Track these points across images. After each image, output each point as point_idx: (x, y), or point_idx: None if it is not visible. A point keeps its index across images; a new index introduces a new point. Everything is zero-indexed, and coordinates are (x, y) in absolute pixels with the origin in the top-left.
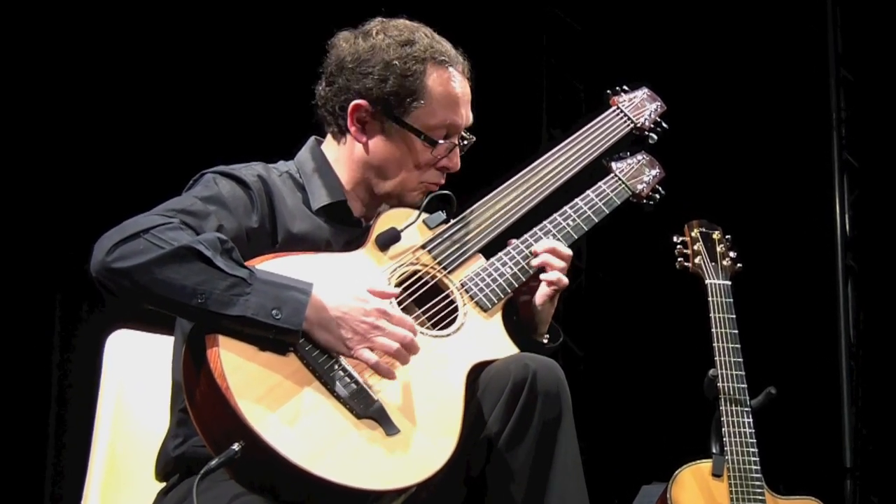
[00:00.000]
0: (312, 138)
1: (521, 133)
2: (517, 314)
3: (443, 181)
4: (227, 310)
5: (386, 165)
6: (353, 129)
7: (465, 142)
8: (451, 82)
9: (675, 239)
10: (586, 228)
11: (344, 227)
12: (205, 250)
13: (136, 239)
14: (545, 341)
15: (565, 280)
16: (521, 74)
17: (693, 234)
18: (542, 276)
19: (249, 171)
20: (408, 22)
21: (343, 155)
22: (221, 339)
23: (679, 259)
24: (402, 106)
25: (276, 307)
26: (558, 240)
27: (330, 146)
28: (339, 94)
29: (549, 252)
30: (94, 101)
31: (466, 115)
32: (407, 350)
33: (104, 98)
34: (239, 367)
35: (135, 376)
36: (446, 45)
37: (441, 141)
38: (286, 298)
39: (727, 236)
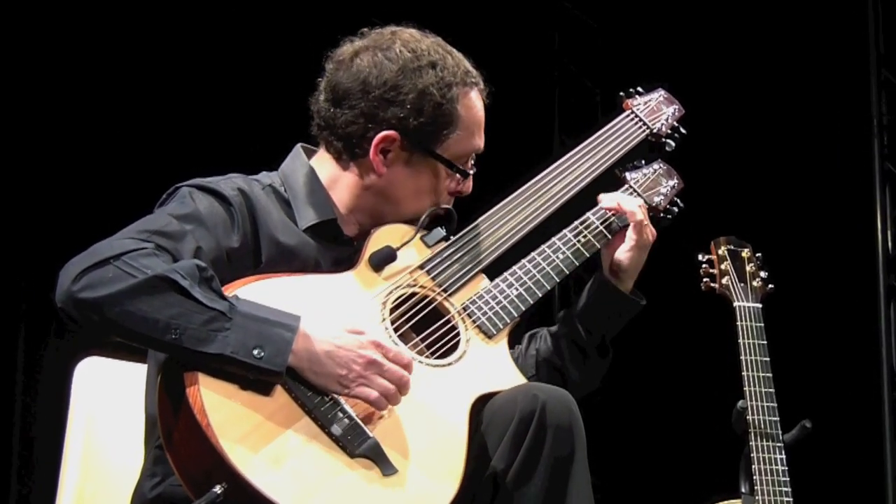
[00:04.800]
0: (299, 147)
1: (531, 140)
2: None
3: (450, 204)
4: (203, 347)
5: (404, 196)
6: (376, 159)
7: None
8: (478, 106)
9: (700, 258)
10: (599, 246)
11: (334, 245)
12: (181, 280)
13: (105, 266)
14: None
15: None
16: (531, 76)
17: (720, 253)
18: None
19: (229, 184)
20: (426, 37)
21: (348, 180)
22: (200, 370)
23: (705, 280)
24: (434, 135)
25: (258, 345)
26: (570, 259)
27: (325, 164)
28: (361, 119)
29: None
30: (58, 113)
31: (483, 138)
32: (402, 391)
33: (68, 111)
34: (221, 403)
35: (106, 408)
36: (467, 62)
37: (470, 172)
38: (269, 336)
39: (757, 255)
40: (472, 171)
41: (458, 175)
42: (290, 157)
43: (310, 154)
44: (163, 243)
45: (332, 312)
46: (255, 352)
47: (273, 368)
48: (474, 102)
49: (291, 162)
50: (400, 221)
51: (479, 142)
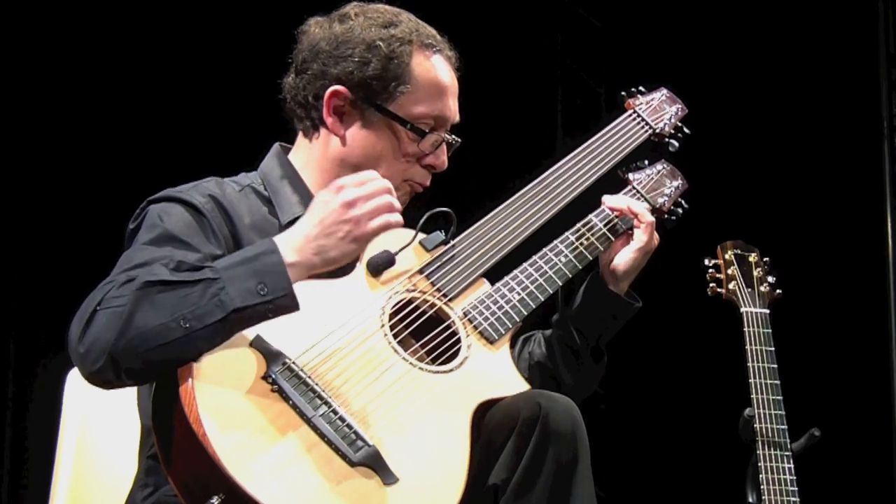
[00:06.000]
0: (277, 145)
1: (534, 142)
2: (597, 276)
3: (428, 182)
4: (215, 317)
5: (366, 161)
6: (329, 119)
7: (452, 143)
8: (439, 68)
9: (706, 262)
10: (602, 249)
11: None
12: (153, 277)
13: (95, 316)
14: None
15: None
16: (534, 77)
17: (727, 257)
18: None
19: (198, 191)
20: (387, 6)
21: (315, 155)
22: (196, 377)
23: (711, 284)
24: (385, 91)
25: (258, 282)
26: (572, 262)
27: (299, 150)
28: (314, 81)
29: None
30: (44, 126)
31: (454, 109)
32: (392, 192)
33: (54, 123)
34: (217, 410)
35: (99, 418)
36: (432, 30)
37: (428, 131)
38: (261, 269)
39: (765, 259)
40: (428, 132)
41: (424, 139)
42: (268, 156)
43: (287, 151)
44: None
45: (330, 319)
46: (259, 289)
47: (282, 293)
48: (434, 64)
49: (270, 160)
50: None
51: (445, 108)
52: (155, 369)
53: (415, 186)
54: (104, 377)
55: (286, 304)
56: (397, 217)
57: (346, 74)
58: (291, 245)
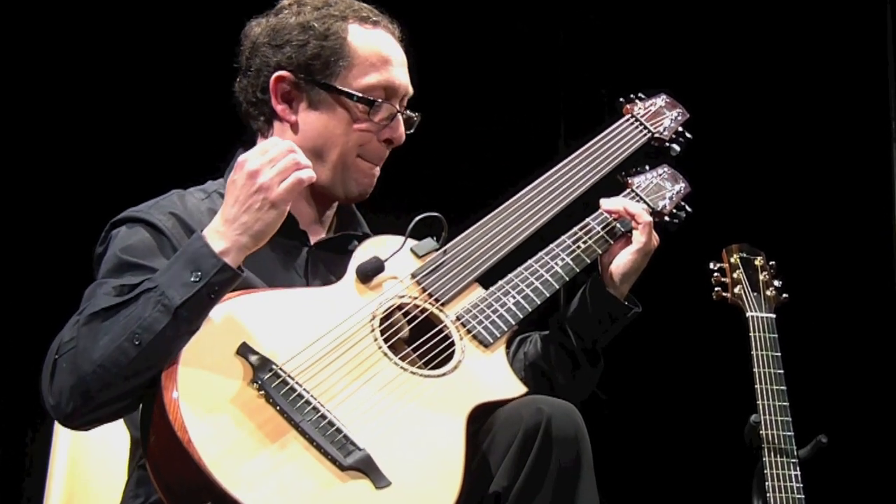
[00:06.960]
0: (241, 149)
1: (535, 145)
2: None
3: (385, 155)
4: (163, 322)
5: (322, 143)
6: (279, 107)
7: (410, 118)
8: (379, 39)
9: (711, 266)
10: (600, 252)
11: (288, 241)
12: (94, 308)
13: (56, 364)
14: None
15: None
16: (534, 77)
17: (732, 261)
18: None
19: (159, 209)
20: None
21: None
22: (181, 385)
23: (716, 288)
24: (328, 68)
25: (192, 270)
26: (570, 265)
27: None
28: (259, 75)
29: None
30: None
31: (403, 79)
32: (295, 152)
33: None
34: (202, 417)
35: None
36: (369, 6)
37: (379, 100)
38: (190, 258)
39: (771, 263)
40: (381, 103)
41: (376, 108)
42: (232, 162)
43: None
44: None
45: (318, 325)
46: (194, 277)
47: (214, 269)
48: (372, 36)
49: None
50: (331, 182)
51: (391, 77)
52: (132, 393)
53: (375, 163)
54: (82, 419)
55: (224, 278)
56: (308, 172)
57: (286, 60)
58: (215, 233)
